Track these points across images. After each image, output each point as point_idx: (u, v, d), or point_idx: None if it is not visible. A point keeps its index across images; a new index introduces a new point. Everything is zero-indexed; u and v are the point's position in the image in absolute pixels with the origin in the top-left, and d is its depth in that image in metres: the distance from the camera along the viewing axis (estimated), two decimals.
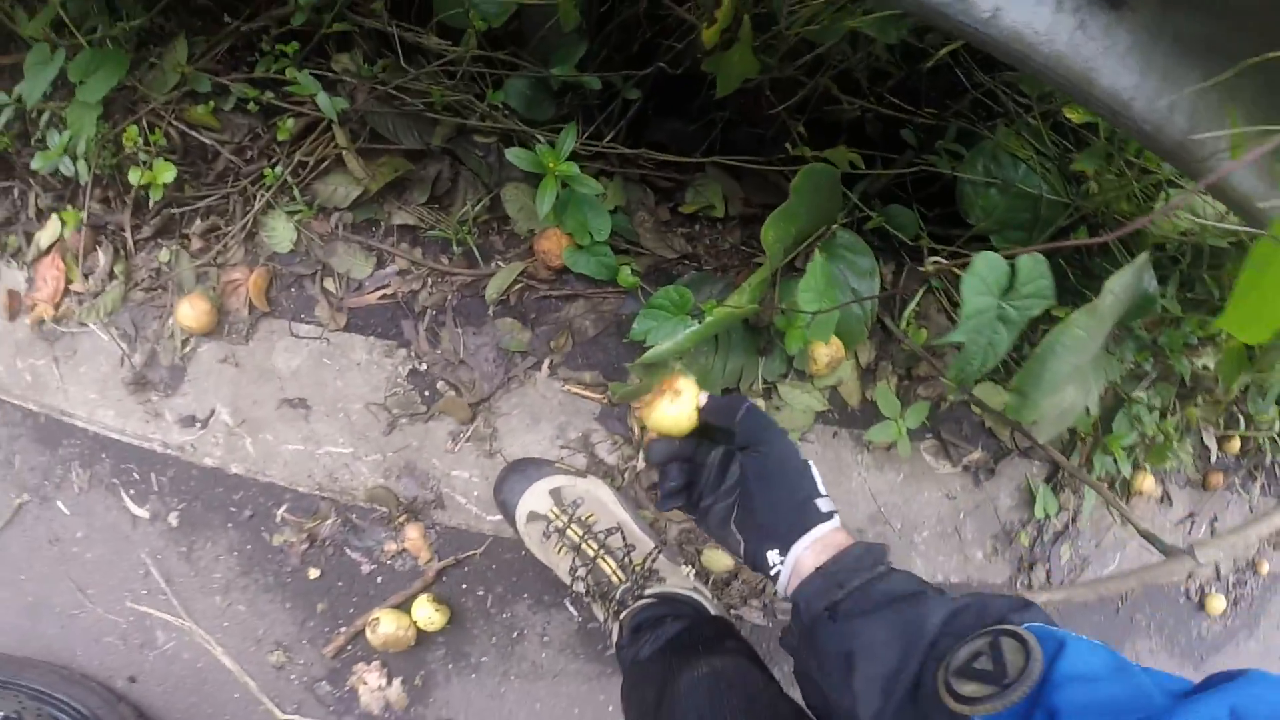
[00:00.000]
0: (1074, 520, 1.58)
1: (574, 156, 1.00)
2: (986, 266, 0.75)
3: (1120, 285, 0.83)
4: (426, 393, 1.16)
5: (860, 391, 1.33)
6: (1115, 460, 1.48)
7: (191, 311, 1.20)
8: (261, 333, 1.20)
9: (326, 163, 1.13)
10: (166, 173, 1.14)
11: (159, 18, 1.18)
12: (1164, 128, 0.77)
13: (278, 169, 1.12)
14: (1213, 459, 1.82)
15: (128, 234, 1.25)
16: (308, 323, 1.18)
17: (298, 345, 1.19)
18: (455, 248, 1.17)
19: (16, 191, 1.43)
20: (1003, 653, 0.52)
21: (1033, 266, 0.75)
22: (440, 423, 1.17)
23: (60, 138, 1.22)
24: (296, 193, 1.13)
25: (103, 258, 1.32)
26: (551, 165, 0.99)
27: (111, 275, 1.30)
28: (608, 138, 1.11)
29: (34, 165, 1.25)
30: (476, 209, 1.14)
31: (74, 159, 1.23)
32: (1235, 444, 1.83)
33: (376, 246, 1.13)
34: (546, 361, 1.19)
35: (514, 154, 0.99)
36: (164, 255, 1.25)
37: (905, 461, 1.37)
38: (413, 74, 1.06)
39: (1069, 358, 0.82)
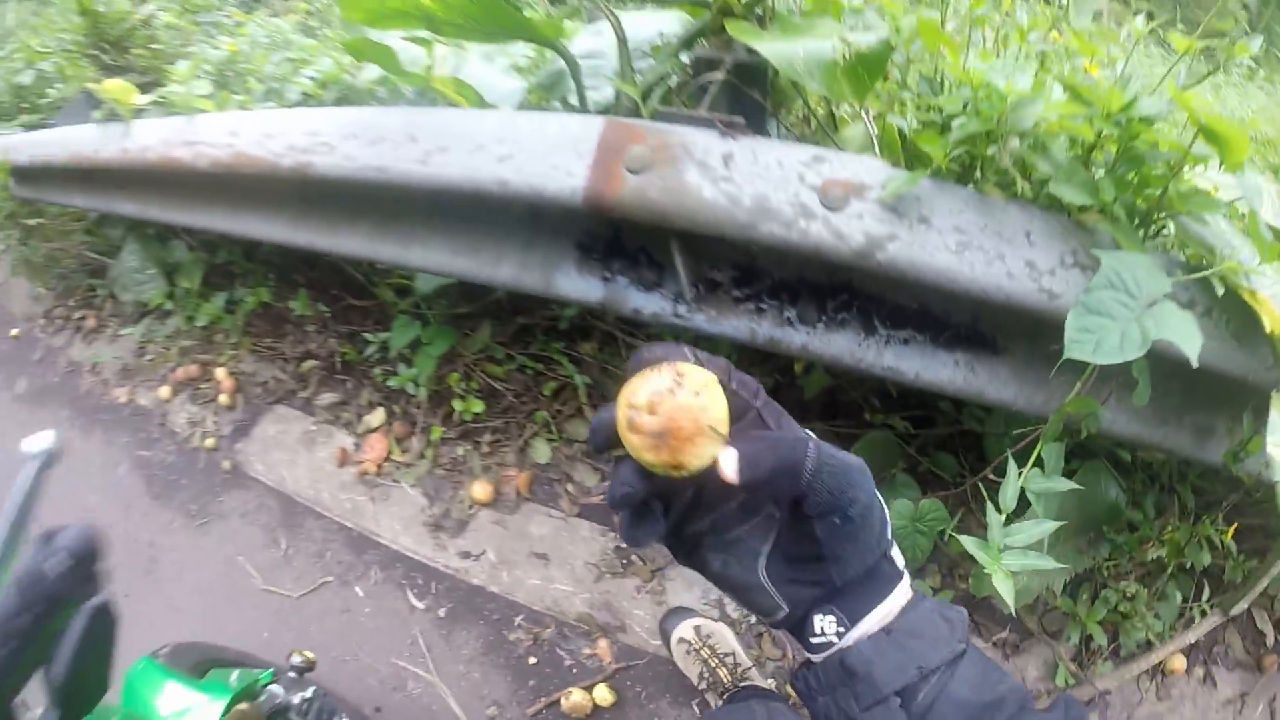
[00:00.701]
0: (1103, 693, 1.82)
1: None
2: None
3: (1046, 489, 1.48)
4: (624, 561, 1.95)
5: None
6: (1094, 633, 1.99)
7: (480, 490, 2.03)
8: (523, 510, 2.02)
9: (573, 412, 1.94)
10: (476, 406, 1.99)
11: (475, 308, 2.03)
12: (1036, 410, 1.37)
13: (541, 413, 1.95)
14: (1269, 641, 1.98)
15: (437, 434, 2.10)
16: (553, 508, 1.99)
17: (546, 521, 2.00)
18: None
19: (350, 385, 2.33)
20: None
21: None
22: (630, 579, 1.95)
23: (409, 371, 2.09)
24: (553, 427, 1.95)
25: (416, 443, 2.18)
26: None
27: (422, 456, 2.16)
28: None
29: (389, 382, 2.12)
30: None
31: (415, 384, 2.09)
32: None
33: (600, 468, 1.94)
34: None
35: None
36: (460, 451, 2.10)
37: None
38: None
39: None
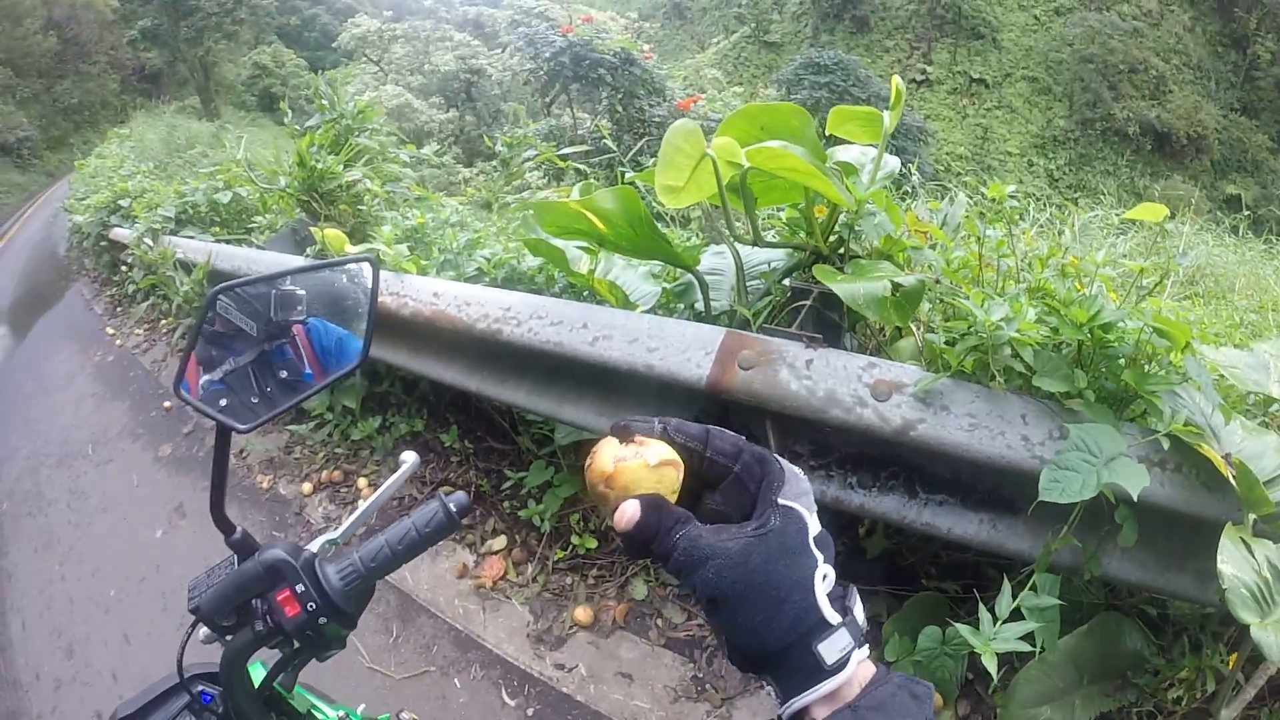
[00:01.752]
0: None
1: None
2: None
3: (1065, 643, 1.89)
4: (699, 689, 2.44)
5: None
6: None
7: (582, 613, 2.58)
8: (616, 636, 2.55)
9: None
10: (590, 543, 2.59)
11: None
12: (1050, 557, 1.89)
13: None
14: None
15: (551, 564, 2.69)
16: (643, 638, 2.52)
17: (635, 647, 2.53)
18: None
19: (479, 512, 2.97)
20: None
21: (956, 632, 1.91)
22: (702, 704, 2.43)
23: (536, 506, 2.72)
24: (651, 571, 2.52)
25: (531, 569, 2.78)
26: None
27: (534, 580, 2.75)
28: None
29: (522, 514, 2.75)
30: None
31: (541, 518, 2.71)
32: None
33: (688, 608, 2.48)
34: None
35: None
36: (569, 580, 2.67)
37: None
38: None
39: (1030, 688, 1.88)
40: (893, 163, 2.34)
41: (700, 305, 2.37)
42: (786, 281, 2.17)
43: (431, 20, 24.70)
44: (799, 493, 0.66)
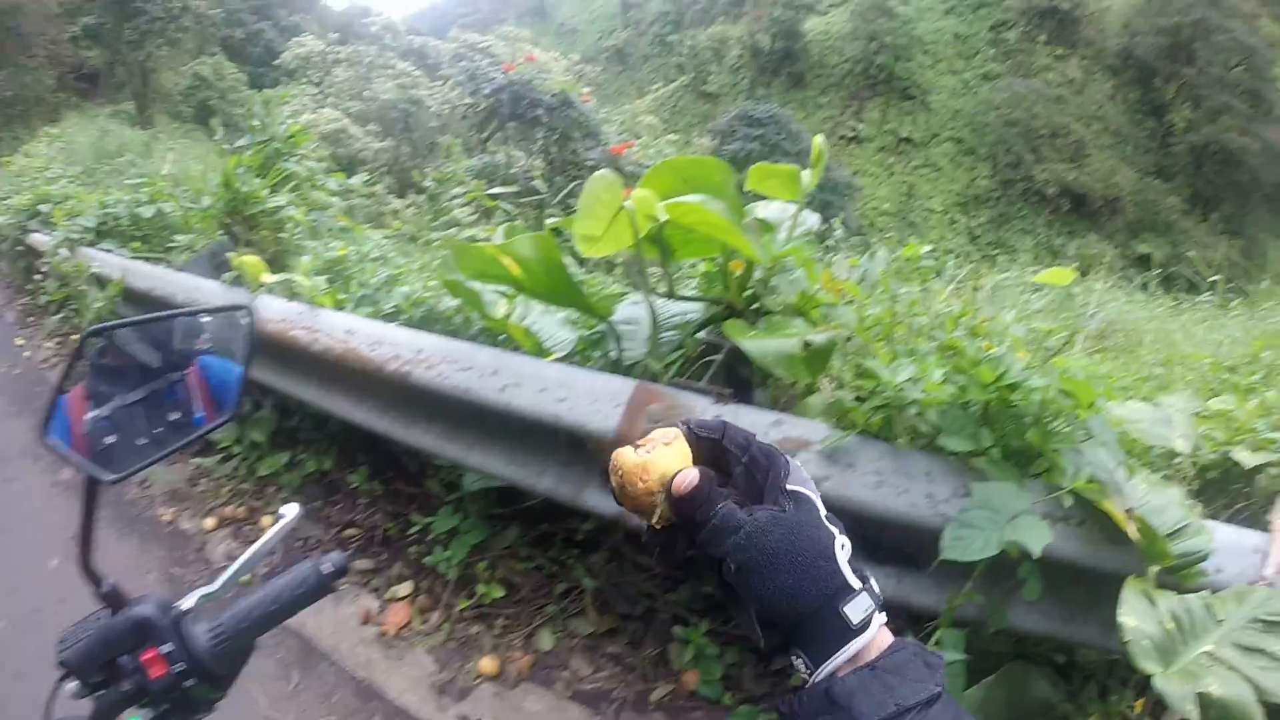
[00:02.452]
0: None
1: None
2: None
3: (972, 694, 1.91)
4: None
5: None
6: None
7: (487, 663, 2.54)
8: (522, 688, 2.51)
9: (578, 611, 2.49)
10: (496, 592, 2.55)
11: (508, 511, 2.65)
12: None
13: (551, 607, 2.50)
14: None
15: (457, 613, 2.65)
16: (548, 690, 2.49)
17: (541, 699, 2.49)
18: (645, 669, 2.48)
19: (385, 557, 2.91)
20: None
21: None
22: None
23: (444, 552, 2.68)
24: (560, 622, 2.49)
25: (437, 616, 2.72)
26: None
27: (439, 628, 2.69)
28: None
29: (428, 561, 2.70)
30: (653, 654, 2.45)
31: (448, 565, 2.67)
32: None
33: (596, 661, 2.46)
34: None
35: None
36: (475, 629, 2.63)
37: None
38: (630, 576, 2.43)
39: None
40: (811, 220, 2.39)
41: (615, 353, 2.38)
42: (701, 335, 2.20)
43: (376, 46, 24.58)
44: (803, 480, 0.72)
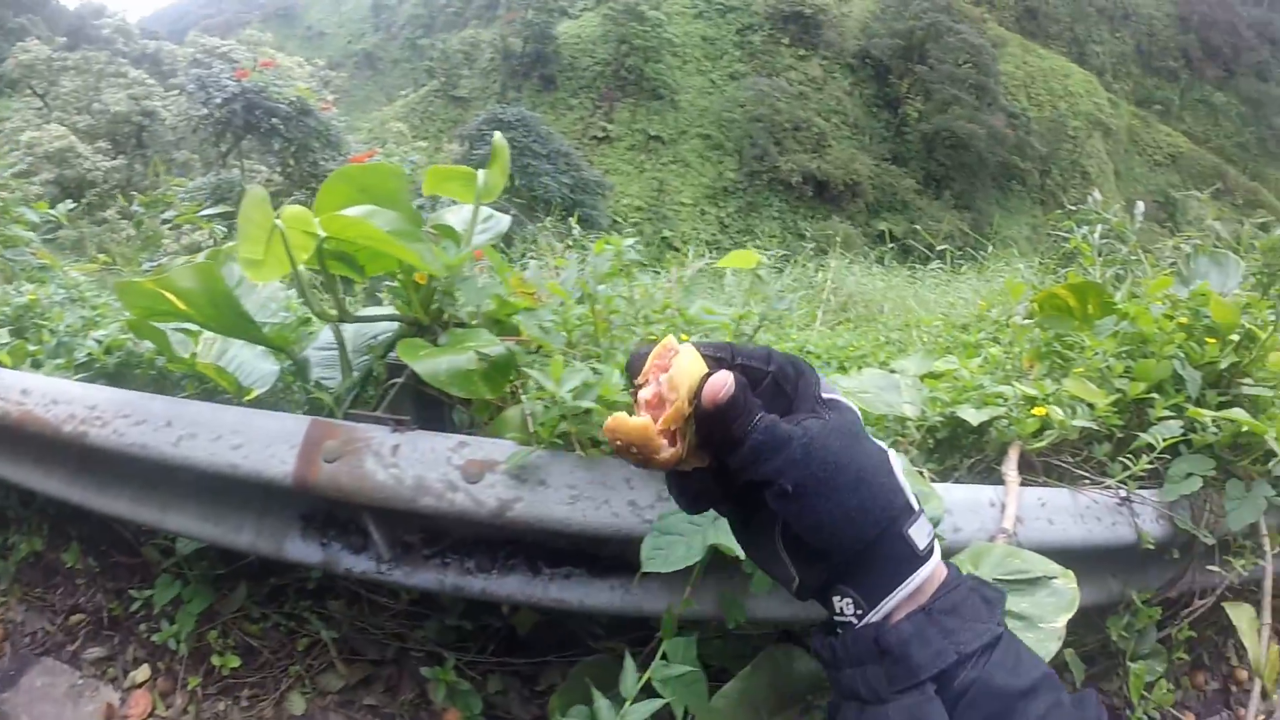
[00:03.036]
0: None
1: None
2: None
3: (732, 688, 1.86)
4: None
5: None
6: None
7: None
8: None
9: (325, 666, 2.29)
10: (233, 661, 2.31)
11: (232, 569, 2.40)
12: (693, 614, 1.85)
13: (295, 668, 2.29)
14: None
15: (200, 690, 2.39)
16: None
17: None
18: (405, 715, 2.31)
19: (117, 640, 2.61)
20: None
21: None
22: None
23: (171, 627, 2.41)
24: (307, 681, 2.29)
25: (180, 699, 2.46)
26: None
27: (185, 711, 2.43)
28: None
29: (153, 638, 2.42)
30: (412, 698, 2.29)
31: (177, 640, 2.40)
32: None
33: (353, 716, 2.27)
34: None
35: None
36: (221, 706, 2.38)
37: None
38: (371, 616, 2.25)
39: None
40: (502, 222, 2.26)
41: (332, 384, 2.18)
42: (392, 357, 2.03)
43: (107, 52, 22.40)
44: (834, 389, 0.64)
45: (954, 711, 0.57)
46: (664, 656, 1.66)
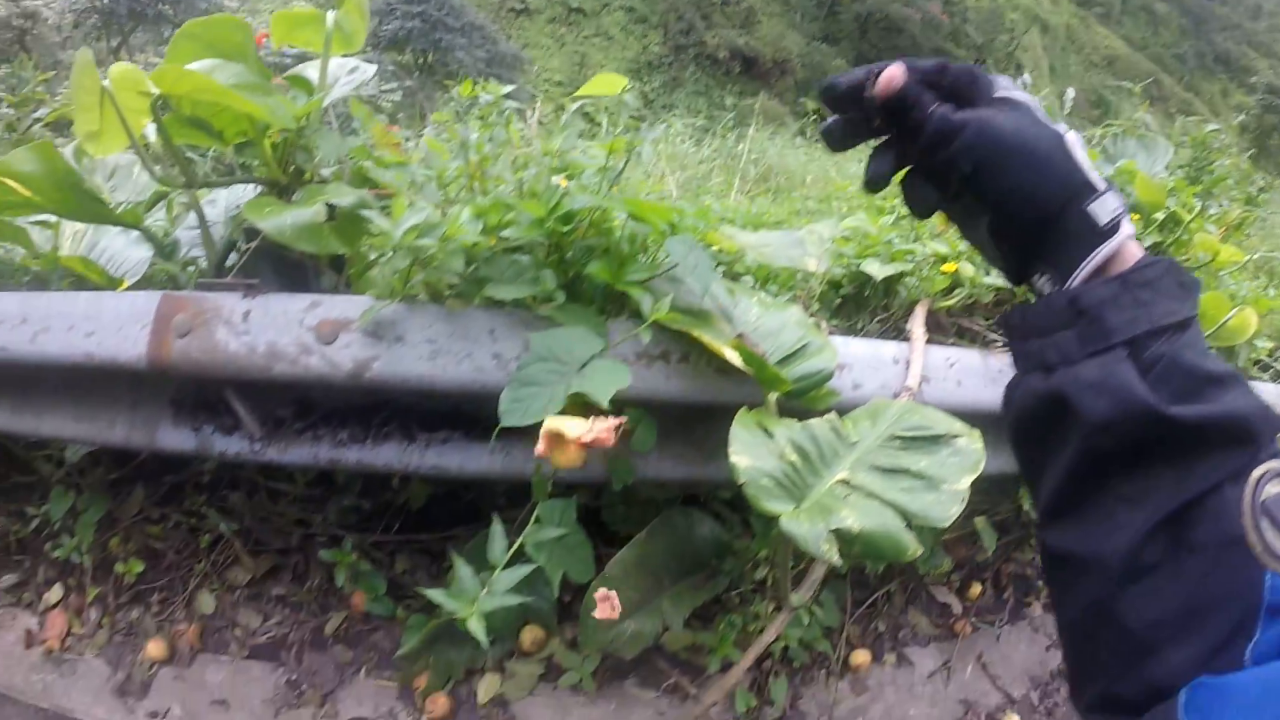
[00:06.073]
0: (792, 704, 2.31)
1: None
2: None
3: (626, 555, 1.92)
4: (297, 691, 2.33)
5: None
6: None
7: (155, 648, 2.38)
8: (198, 661, 2.38)
9: (231, 560, 2.36)
10: (137, 567, 2.37)
11: (126, 472, 2.44)
12: (579, 477, 1.95)
13: (201, 565, 2.35)
14: (957, 610, 2.50)
15: (111, 600, 2.46)
16: (223, 655, 2.37)
17: (220, 667, 2.37)
18: (314, 603, 2.38)
19: (27, 564, 2.67)
20: None
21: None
22: (306, 709, 2.33)
23: (71, 541, 2.46)
24: (214, 577, 2.35)
25: (94, 614, 2.53)
26: None
27: (100, 625, 2.50)
28: None
29: (56, 554, 2.48)
30: (319, 583, 2.36)
31: (80, 553, 2.46)
32: (976, 589, 2.51)
33: (264, 609, 2.34)
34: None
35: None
36: (134, 614, 2.46)
37: (614, 698, 2.46)
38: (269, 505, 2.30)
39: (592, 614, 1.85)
40: (367, 71, 2.21)
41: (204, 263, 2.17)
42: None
43: None
44: (1012, 87, 0.70)
45: (1143, 381, 0.62)
46: (538, 519, 1.66)
